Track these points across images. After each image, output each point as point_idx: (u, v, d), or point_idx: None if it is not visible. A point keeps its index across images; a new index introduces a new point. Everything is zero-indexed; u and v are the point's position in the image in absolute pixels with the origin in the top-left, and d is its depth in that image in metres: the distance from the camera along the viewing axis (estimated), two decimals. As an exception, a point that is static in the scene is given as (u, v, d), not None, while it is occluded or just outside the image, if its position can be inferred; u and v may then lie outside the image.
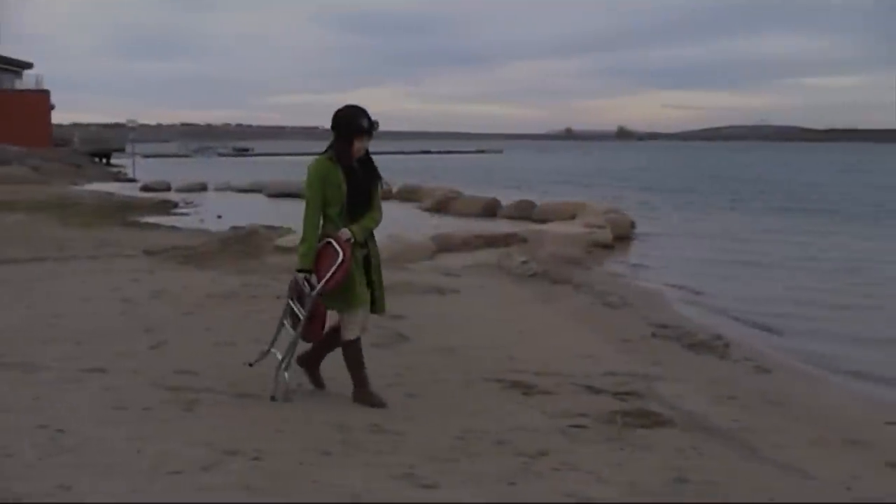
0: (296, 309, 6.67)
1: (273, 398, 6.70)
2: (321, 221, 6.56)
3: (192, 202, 34.48)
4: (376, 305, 6.80)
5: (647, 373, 8.34)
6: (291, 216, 26.49)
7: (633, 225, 23.81)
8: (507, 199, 30.64)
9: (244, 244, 16.72)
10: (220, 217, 26.75)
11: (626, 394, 7.46)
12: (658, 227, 25.70)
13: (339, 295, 6.55)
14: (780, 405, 7.74)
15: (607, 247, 20.06)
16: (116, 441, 5.70)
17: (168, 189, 42.25)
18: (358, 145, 6.46)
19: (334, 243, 6.40)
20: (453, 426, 6.28)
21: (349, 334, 6.70)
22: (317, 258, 6.50)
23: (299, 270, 6.55)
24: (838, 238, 24.09)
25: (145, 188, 42.35)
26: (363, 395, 6.81)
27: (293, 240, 17.04)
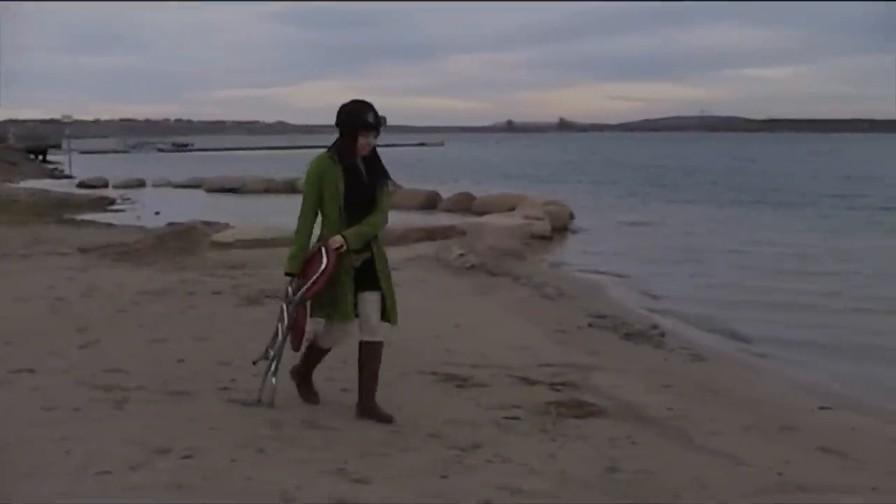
0: (285, 314, 6.40)
1: (259, 401, 6.46)
2: (322, 223, 6.21)
3: (129, 199, 34.08)
4: (388, 315, 6.29)
5: (582, 363, 8.38)
6: (231, 211, 26.53)
7: (571, 216, 23.92)
8: (447, 191, 30.69)
9: (181, 240, 16.55)
10: (157, 213, 26.49)
11: (562, 385, 7.49)
12: (597, 218, 25.83)
13: (327, 303, 6.20)
14: (715, 393, 7.82)
15: (546, 238, 20.12)
16: (44, 442, 5.60)
17: (105, 185, 41.75)
18: (363, 142, 6.07)
19: (323, 250, 6.07)
20: (391, 421, 6.26)
21: (322, 342, 6.50)
22: (307, 263, 6.18)
23: (286, 274, 6.32)
24: (777, 229, 24.38)
25: (82, 185, 41.80)
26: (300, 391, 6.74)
27: (231, 235, 16.97)
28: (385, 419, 6.22)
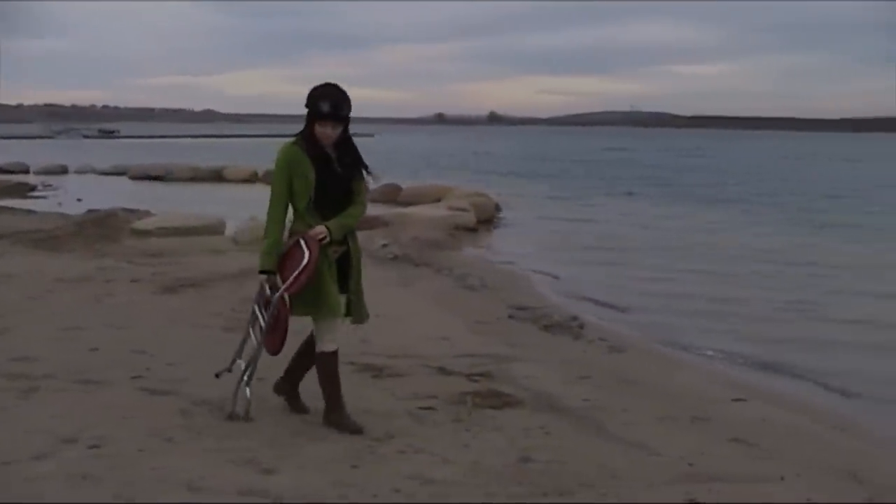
0: (259, 316, 5.91)
1: (231, 416, 5.93)
2: (293, 215, 5.78)
3: (50, 185, 33.45)
4: (353, 312, 5.99)
5: (501, 354, 8.39)
6: (155, 199, 26.18)
7: (497, 209, 23.98)
8: (374, 183, 30.51)
9: (101, 227, 16.28)
10: (80, 200, 26.03)
11: (479, 375, 7.49)
12: (523, 211, 25.91)
13: (311, 300, 5.71)
14: (632, 384, 7.87)
15: (471, 230, 20.14)
16: (-58, 432, 5.49)
17: (26, 171, 40.95)
18: (320, 131, 5.64)
19: (302, 242, 5.60)
20: (300, 410, 6.21)
21: (324, 345, 5.86)
22: (283, 258, 5.69)
23: (261, 272, 5.79)
24: (697, 221, 24.72)
25: (1, 170, 40.94)
26: (337, 418, 5.90)
27: (152, 223, 16.73)
28: (353, 430, 5.85)
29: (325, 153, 5.70)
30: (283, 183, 5.69)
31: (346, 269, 5.89)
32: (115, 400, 6.27)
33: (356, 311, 6.01)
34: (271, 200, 5.74)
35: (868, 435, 7.23)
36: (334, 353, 5.87)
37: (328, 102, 5.63)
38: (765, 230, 22.77)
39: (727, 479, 5.48)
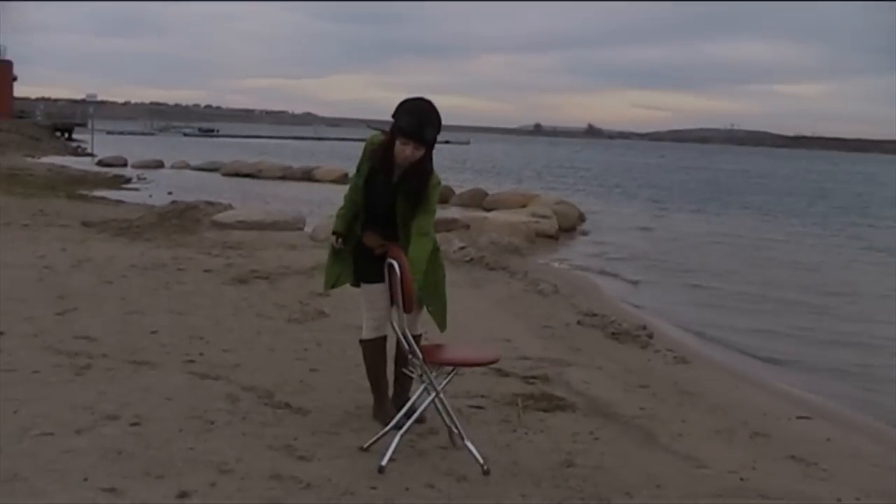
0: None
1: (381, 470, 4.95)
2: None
3: (144, 178, 34.17)
4: (430, 306, 5.76)
5: (561, 359, 8.24)
6: (241, 195, 26.54)
7: (582, 218, 23.79)
8: (462, 188, 30.57)
9: (182, 218, 16.52)
10: (170, 193, 26.50)
11: (535, 378, 7.36)
12: (609, 221, 25.67)
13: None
14: (692, 396, 7.66)
15: (552, 237, 20.01)
16: (-6, 402, 5.57)
17: (124, 165, 41.92)
18: (399, 148, 5.26)
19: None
20: (348, 401, 6.17)
21: (363, 332, 5.75)
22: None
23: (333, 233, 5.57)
24: (793, 240, 24.16)
25: (101, 163, 42.00)
26: (376, 410, 5.79)
27: (232, 216, 16.92)
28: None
29: (387, 168, 5.37)
30: (362, 169, 5.52)
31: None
32: (164, 381, 6.30)
33: (437, 313, 5.80)
34: (351, 181, 5.64)
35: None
36: (372, 342, 5.70)
37: (413, 120, 5.25)
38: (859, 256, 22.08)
39: (779, 496, 5.25)
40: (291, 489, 4.56)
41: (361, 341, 5.75)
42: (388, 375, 5.89)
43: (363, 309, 5.70)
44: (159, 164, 43.29)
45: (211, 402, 5.90)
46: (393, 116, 5.34)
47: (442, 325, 5.81)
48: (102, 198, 23.41)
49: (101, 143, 58.93)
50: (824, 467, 6.01)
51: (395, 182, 5.40)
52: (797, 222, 30.68)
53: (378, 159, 5.41)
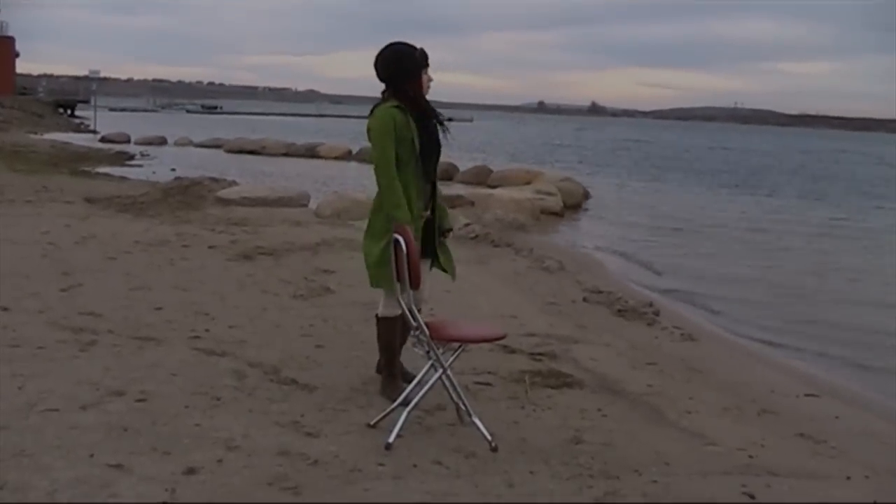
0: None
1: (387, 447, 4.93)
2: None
3: (148, 155, 34.10)
4: (443, 264, 5.93)
5: (568, 335, 8.20)
6: (245, 171, 26.50)
7: (586, 195, 23.71)
8: (467, 165, 30.46)
9: (186, 195, 16.49)
10: (173, 170, 26.43)
11: (542, 355, 7.32)
12: (613, 198, 25.59)
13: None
14: (700, 373, 7.62)
15: (556, 214, 19.94)
16: (0, 378, 5.52)
17: (127, 141, 41.84)
18: (426, 79, 5.59)
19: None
20: (355, 377, 6.13)
21: (380, 310, 5.75)
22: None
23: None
24: (799, 219, 24.05)
25: (104, 140, 41.93)
26: (384, 384, 5.82)
27: (236, 192, 16.86)
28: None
29: (429, 109, 5.61)
30: (391, 147, 5.40)
31: (430, 231, 5.75)
32: (170, 357, 6.26)
33: (447, 265, 5.95)
34: (385, 164, 5.40)
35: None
36: (386, 319, 5.68)
37: (415, 49, 5.54)
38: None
39: (788, 474, 5.21)
40: (299, 466, 4.53)
41: (378, 318, 5.73)
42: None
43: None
44: (162, 141, 43.19)
45: (217, 379, 5.86)
46: (405, 64, 5.51)
47: (453, 273, 6.01)
48: (106, 174, 23.34)
49: (103, 120, 58.80)
50: (833, 445, 5.98)
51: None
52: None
53: (424, 104, 5.57)
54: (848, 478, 5.30)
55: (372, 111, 5.58)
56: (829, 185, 39.36)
